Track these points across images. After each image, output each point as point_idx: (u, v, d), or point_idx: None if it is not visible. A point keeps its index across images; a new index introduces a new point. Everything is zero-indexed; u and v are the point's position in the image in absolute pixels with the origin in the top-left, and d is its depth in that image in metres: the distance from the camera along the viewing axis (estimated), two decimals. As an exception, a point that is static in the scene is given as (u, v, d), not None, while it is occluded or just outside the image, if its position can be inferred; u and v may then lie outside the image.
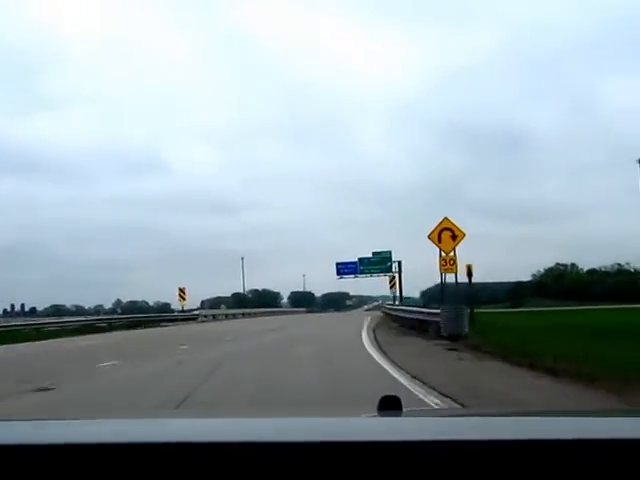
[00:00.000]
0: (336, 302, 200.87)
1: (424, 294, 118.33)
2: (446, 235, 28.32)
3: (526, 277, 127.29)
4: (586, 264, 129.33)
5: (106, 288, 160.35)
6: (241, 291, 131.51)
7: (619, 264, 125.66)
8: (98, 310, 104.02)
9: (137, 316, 55.19)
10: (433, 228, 28.76)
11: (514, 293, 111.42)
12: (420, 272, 78.29)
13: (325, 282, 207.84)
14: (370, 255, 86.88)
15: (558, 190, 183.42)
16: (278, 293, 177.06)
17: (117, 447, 1.15)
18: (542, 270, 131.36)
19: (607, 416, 2.02)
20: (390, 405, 1.69)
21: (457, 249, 27.38)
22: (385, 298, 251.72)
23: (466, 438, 1.17)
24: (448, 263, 28.46)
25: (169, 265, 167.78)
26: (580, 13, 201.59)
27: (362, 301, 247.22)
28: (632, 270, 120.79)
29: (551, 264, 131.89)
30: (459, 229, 28.59)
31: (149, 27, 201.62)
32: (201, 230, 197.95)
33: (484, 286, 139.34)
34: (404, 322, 34.13)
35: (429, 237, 28.79)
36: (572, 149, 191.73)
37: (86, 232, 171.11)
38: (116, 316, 59.74)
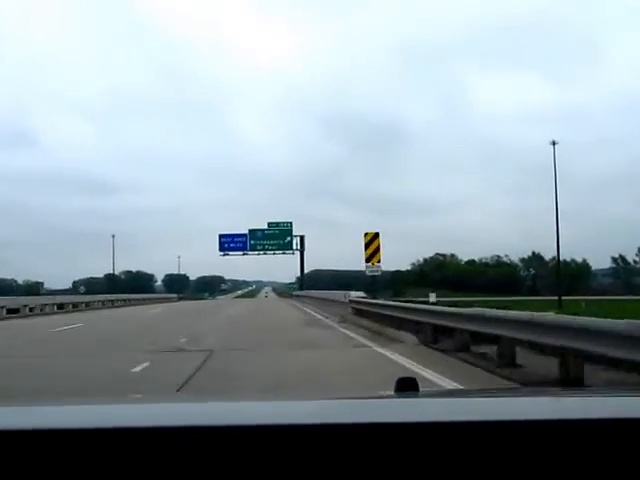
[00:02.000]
0: (210, 286, 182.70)
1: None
2: None
3: (404, 267, 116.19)
4: (464, 257, 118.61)
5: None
6: (115, 272, 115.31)
7: (498, 256, 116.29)
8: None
9: None
10: None
11: (394, 282, 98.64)
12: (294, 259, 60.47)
13: (203, 264, 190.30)
14: (265, 227, 63.47)
15: (433, 185, 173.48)
16: (152, 275, 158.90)
17: (104, 432, 1.02)
18: (421, 260, 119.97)
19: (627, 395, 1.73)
20: (407, 386, 1.55)
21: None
22: (260, 283, 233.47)
23: (484, 419, 1.08)
24: None
25: (43, 245, 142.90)
26: (465, 16, 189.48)
27: (236, 286, 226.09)
28: (508, 262, 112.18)
29: (430, 254, 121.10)
30: None
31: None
32: (77, 209, 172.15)
33: (359, 274, 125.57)
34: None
35: None
36: (445, 146, 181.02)
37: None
38: None
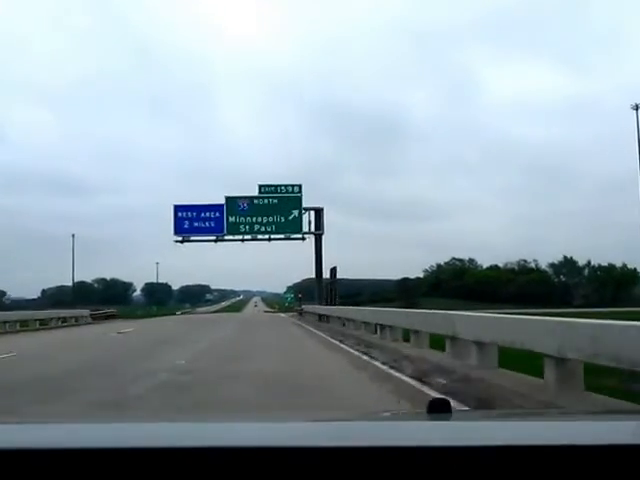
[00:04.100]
0: (195, 296, 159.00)
1: (293, 290, 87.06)
2: None
3: (412, 275, 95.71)
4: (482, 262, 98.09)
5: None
6: (86, 280, 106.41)
7: (525, 261, 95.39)
8: None
9: None
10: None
11: (404, 290, 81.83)
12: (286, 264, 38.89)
13: (188, 273, 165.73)
14: (255, 193, 34.14)
15: (433, 187, 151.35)
16: (131, 284, 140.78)
17: (100, 452, 0.96)
18: (435, 266, 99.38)
19: None
20: (439, 408, 1.41)
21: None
22: (248, 293, 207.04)
23: (519, 443, 1.00)
24: None
25: (9, 250, 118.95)
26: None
27: (223, 295, 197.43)
28: (535, 267, 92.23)
29: (445, 259, 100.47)
30: None
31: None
32: (48, 211, 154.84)
33: (363, 283, 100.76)
34: None
35: None
36: (448, 142, 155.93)
37: None
38: None
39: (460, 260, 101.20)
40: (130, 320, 36.47)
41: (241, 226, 33.03)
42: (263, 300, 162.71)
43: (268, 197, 32.93)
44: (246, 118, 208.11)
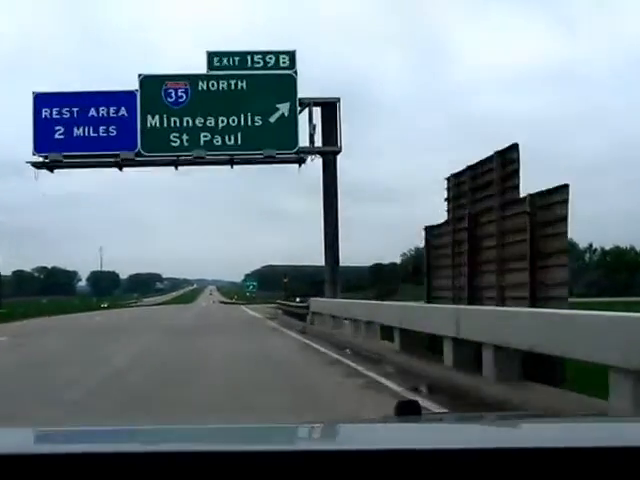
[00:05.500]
0: (144, 285, 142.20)
1: (254, 278, 78.82)
2: None
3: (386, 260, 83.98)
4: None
5: None
6: (25, 269, 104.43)
7: None
8: None
9: None
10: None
11: (378, 278, 69.77)
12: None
13: (136, 260, 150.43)
14: (202, 71, 16.65)
15: (404, 165, 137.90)
16: (75, 273, 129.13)
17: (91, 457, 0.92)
18: (413, 249, 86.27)
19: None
20: (408, 410, 1.40)
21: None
22: (203, 282, 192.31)
23: (489, 446, 0.96)
24: None
25: None
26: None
27: (176, 285, 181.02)
28: None
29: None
30: None
31: None
32: None
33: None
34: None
35: None
36: (421, 116, 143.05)
37: None
38: None
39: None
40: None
41: (173, 136, 15.75)
42: (219, 289, 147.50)
43: (228, 76, 15.65)
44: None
